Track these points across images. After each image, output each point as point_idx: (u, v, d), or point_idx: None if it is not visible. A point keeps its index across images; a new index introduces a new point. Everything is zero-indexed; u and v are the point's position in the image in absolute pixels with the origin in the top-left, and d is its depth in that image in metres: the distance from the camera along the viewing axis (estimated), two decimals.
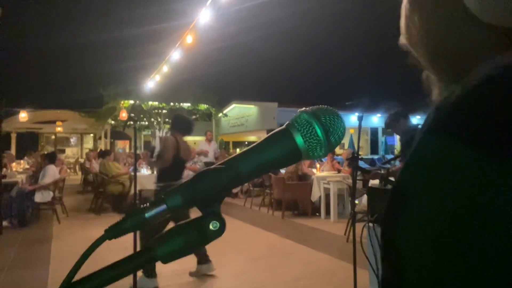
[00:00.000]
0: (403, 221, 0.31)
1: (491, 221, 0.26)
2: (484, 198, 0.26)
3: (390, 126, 4.58)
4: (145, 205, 0.40)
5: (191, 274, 4.23)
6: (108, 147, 18.82)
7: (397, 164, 5.56)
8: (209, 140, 10.81)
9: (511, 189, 0.25)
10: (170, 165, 4.09)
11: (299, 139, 0.39)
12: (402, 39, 0.46)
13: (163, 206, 0.39)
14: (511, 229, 0.25)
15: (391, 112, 4.57)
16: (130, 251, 0.45)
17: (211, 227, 0.39)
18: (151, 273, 3.89)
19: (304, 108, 0.41)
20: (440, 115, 0.32)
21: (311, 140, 0.39)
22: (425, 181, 0.30)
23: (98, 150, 12.21)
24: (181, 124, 4.35)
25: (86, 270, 0.41)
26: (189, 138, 12.87)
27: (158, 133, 16.89)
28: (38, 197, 7.00)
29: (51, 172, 7.21)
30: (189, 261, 4.49)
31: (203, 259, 4.24)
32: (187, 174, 9.18)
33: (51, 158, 7.63)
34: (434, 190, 0.29)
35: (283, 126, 0.41)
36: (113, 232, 0.40)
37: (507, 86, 0.29)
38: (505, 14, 0.35)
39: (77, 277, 0.39)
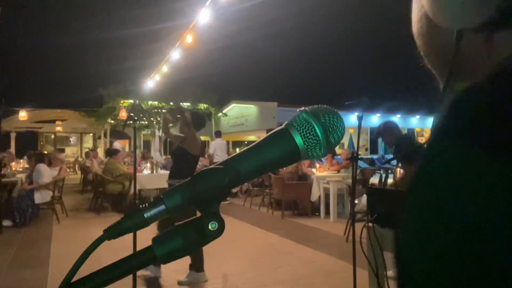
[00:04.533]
0: (419, 232, 0.30)
1: None
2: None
3: (383, 135, 4.41)
4: (144, 205, 0.40)
5: (180, 283, 4.01)
6: (108, 147, 18.81)
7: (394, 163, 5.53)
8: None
9: None
10: (188, 162, 4.12)
11: (298, 139, 0.39)
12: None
13: (162, 206, 0.39)
14: None
15: (384, 122, 4.48)
16: (130, 251, 0.45)
17: (210, 227, 0.39)
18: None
19: (303, 107, 0.41)
20: (460, 118, 0.30)
21: (310, 140, 0.39)
22: (446, 190, 0.29)
23: (106, 149, 12.19)
24: (199, 121, 4.39)
25: (87, 270, 0.41)
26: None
27: (158, 133, 16.88)
28: (38, 198, 6.97)
29: (44, 171, 7.13)
30: (189, 260, 4.50)
31: (198, 267, 4.10)
32: None
33: (39, 158, 7.51)
34: (455, 200, 0.27)
35: (282, 126, 0.40)
36: (112, 232, 0.40)
37: None
38: (449, 17, 0.36)
39: (77, 277, 0.39)
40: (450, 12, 0.35)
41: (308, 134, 0.39)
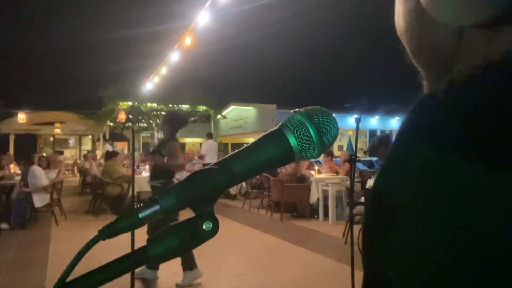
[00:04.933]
0: (387, 242, 0.29)
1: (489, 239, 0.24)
2: (474, 212, 0.25)
3: (377, 150, 4.25)
4: (139, 205, 0.40)
5: (178, 286, 3.99)
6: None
7: None
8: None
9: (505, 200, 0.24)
10: (165, 165, 4.15)
11: (292, 140, 0.39)
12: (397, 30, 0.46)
13: (157, 207, 0.40)
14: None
15: (378, 137, 4.38)
16: (127, 251, 0.45)
17: (204, 227, 0.39)
18: (153, 265, 3.97)
19: (297, 109, 0.41)
20: (425, 118, 0.30)
21: (304, 141, 0.39)
22: (409, 192, 0.28)
23: (105, 152, 12.16)
24: (177, 120, 4.41)
25: (84, 269, 0.41)
26: (188, 140, 12.84)
27: (157, 135, 16.88)
28: (37, 201, 6.90)
29: (38, 172, 7.07)
30: None
31: (191, 266, 4.04)
32: (185, 175, 9.20)
33: (29, 160, 7.36)
34: (417, 204, 0.27)
35: (277, 127, 0.41)
36: (107, 232, 0.40)
37: (496, 85, 0.28)
38: (450, 13, 0.35)
39: (72, 277, 0.39)
40: (453, 7, 0.35)
41: (301, 135, 0.39)
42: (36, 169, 7.10)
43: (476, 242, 0.25)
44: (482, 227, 0.25)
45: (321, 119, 0.40)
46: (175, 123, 4.34)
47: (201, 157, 11.07)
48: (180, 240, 0.39)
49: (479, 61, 0.31)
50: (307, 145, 0.39)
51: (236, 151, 0.42)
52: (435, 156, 0.27)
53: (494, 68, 0.30)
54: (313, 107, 0.41)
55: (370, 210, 0.32)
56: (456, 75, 0.31)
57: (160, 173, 4.15)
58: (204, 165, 10.14)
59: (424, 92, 0.44)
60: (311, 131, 0.39)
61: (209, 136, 11.62)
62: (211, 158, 10.65)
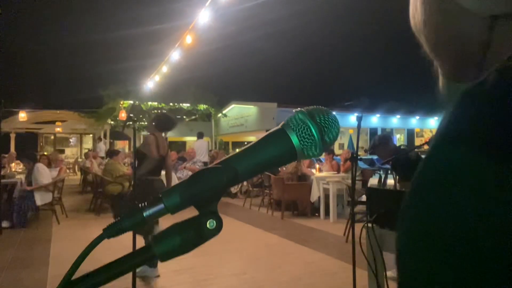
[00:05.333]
0: (418, 233, 0.29)
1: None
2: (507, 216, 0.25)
3: (377, 149, 4.16)
4: (143, 204, 0.41)
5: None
6: (108, 147, 18.80)
7: None
8: None
9: None
10: (149, 163, 4.19)
11: (294, 139, 0.39)
12: (411, 25, 0.45)
13: (161, 205, 0.40)
14: None
15: (378, 136, 4.37)
16: (129, 250, 0.45)
17: (208, 226, 0.39)
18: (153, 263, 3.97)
19: (299, 108, 0.41)
20: (462, 123, 0.30)
21: (305, 140, 0.39)
22: (445, 193, 0.28)
23: (107, 150, 12.20)
24: (163, 122, 4.44)
25: (86, 268, 0.41)
26: (189, 139, 12.84)
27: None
28: (39, 199, 6.95)
29: (42, 170, 7.10)
30: (189, 261, 4.50)
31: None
32: (186, 174, 9.21)
33: (33, 158, 7.40)
34: (453, 204, 0.27)
35: (279, 126, 0.41)
36: (111, 231, 0.41)
37: None
38: (484, 2, 0.34)
39: (76, 275, 0.40)
40: None
41: (303, 134, 0.39)
42: (40, 166, 7.15)
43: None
44: None
45: (322, 118, 0.40)
46: (160, 122, 4.41)
47: (183, 157, 11.23)
48: (184, 239, 0.39)
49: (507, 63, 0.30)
50: (309, 143, 0.39)
51: (239, 150, 0.42)
52: (476, 163, 0.27)
53: None
54: (315, 106, 0.42)
55: (407, 203, 0.32)
56: (500, 71, 0.30)
57: (142, 167, 4.20)
58: (205, 163, 10.16)
59: (440, 86, 0.43)
60: (313, 130, 0.39)
61: (199, 135, 11.78)
62: (202, 158, 10.81)
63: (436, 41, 0.41)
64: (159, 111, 16.54)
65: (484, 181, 0.26)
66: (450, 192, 0.28)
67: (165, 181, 4.49)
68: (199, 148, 11.21)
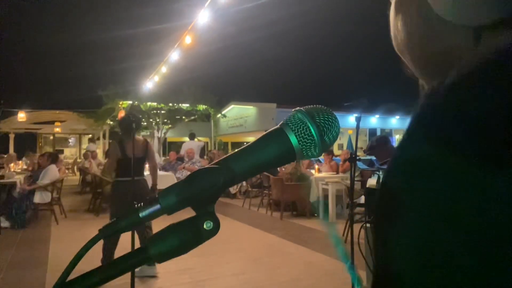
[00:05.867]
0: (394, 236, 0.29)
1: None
2: (477, 214, 0.25)
3: (375, 150, 4.24)
4: (139, 204, 0.40)
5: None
6: (107, 148, 18.77)
7: None
8: None
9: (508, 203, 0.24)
10: (121, 164, 4.35)
11: (293, 139, 0.39)
12: (394, 46, 0.45)
13: (157, 206, 0.40)
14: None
15: (376, 137, 4.36)
16: (127, 250, 0.45)
17: (205, 226, 0.39)
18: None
19: (298, 107, 0.41)
20: (428, 117, 0.30)
21: (305, 140, 0.39)
22: (414, 191, 0.28)
23: (106, 150, 12.18)
24: (123, 126, 4.52)
25: (85, 268, 0.41)
26: (188, 139, 12.87)
27: (157, 134, 16.88)
28: (38, 198, 7.00)
29: (52, 173, 7.21)
30: (188, 261, 4.50)
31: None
32: (185, 174, 9.21)
33: (54, 158, 7.66)
34: (423, 204, 0.27)
35: (278, 126, 0.40)
36: (107, 231, 0.40)
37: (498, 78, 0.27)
38: (468, 14, 0.34)
39: (72, 275, 0.39)
40: (469, 7, 0.34)
41: (303, 134, 0.39)
42: (54, 168, 7.32)
43: (478, 241, 0.25)
44: (484, 227, 0.25)
45: (322, 118, 0.40)
46: (121, 127, 4.55)
47: (181, 157, 11.26)
48: (181, 239, 0.39)
49: (479, 58, 0.31)
50: (308, 144, 0.39)
51: (236, 150, 0.42)
52: (439, 155, 0.27)
53: (494, 63, 0.29)
54: (314, 106, 0.41)
55: (378, 206, 0.32)
56: (457, 71, 0.31)
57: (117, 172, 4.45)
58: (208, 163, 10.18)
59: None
60: (312, 130, 0.39)
61: (191, 136, 11.91)
62: (194, 158, 10.85)
63: (421, 59, 0.41)
64: (158, 111, 16.55)
65: (453, 180, 0.26)
66: (412, 189, 0.28)
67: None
68: (189, 148, 11.31)
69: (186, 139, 12.61)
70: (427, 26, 0.38)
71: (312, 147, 0.39)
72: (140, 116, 4.98)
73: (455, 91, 0.29)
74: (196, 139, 12.13)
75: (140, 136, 4.49)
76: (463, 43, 0.36)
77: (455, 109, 0.28)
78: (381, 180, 0.33)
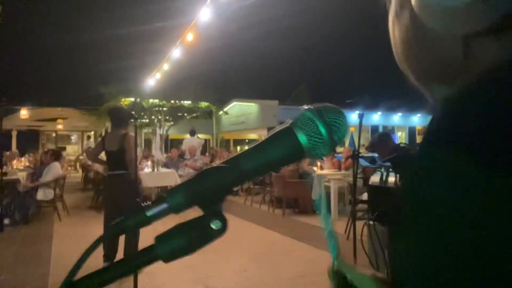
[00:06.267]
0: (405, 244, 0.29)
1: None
2: (497, 223, 0.24)
3: (376, 147, 4.23)
4: (146, 203, 0.40)
5: None
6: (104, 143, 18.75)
7: None
8: None
9: None
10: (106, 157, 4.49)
11: (302, 138, 0.38)
12: (395, 55, 0.45)
13: (165, 205, 0.39)
14: None
15: (378, 134, 4.35)
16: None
17: (213, 226, 0.39)
18: None
19: (307, 105, 0.40)
20: (446, 124, 0.30)
21: (314, 139, 0.38)
22: (430, 197, 0.28)
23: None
24: (113, 116, 4.57)
25: (88, 268, 0.41)
26: (189, 136, 12.89)
27: (159, 131, 16.90)
28: (41, 195, 7.03)
29: (55, 170, 7.24)
30: (190, 258, 4.49)
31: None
32: (187, 172, 9.21)
33: (57, 156, 7.71)
34: (439, 209, 0.27)
35: (287, 125, 0.40)
36: (114, 230, 0.40)
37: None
38: (455, 23, 0.35)
39: (79, 274, 0.39)
40: (454, 16, 0.34)
41: (312, 133, 0.38)
42: (58, 166, 7.38)
43: (486, 246, 0.24)
44: (496, 234, 0.24)
45: (332, 117, 0.39)
46: (113, 119, 4.60)
47: (182, 154, 11.25)
48: (189, 239, 0.39)
49: (489, 66, 0.31)
50: (318, 143, 0.38)
51: (246, 148, 0.41)
52: (453, 163, 0.27)
53: (503, 72, 0.29)
54: (323, 104, 0.41)
55: (393, 209, 0.32)
56: (469, 81, 0.31)
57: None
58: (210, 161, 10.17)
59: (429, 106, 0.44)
60: (322, 129, 0.38)
61: (192, 133, 11.96)
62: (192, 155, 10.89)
63: (418, 68, 0.41)
64: (160, 108, 16.56)
65: (471, 187, 0.26)
66: (433, 196, 0.28)
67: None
68: (189, 145, 11.31)
69: (188, 136, 12.62)
70: (419, 36, 0.39)
71: (321, 146, 0.39)
72: (123, 110, 4.98)
73: (473, 99, 0.29)
74: (196, 136, 12.14)
75: (123, 129, 4.42)
76: (452, 53, 0.37)
77: (475, 115, 0.28)
78: (402, 187, 0.32)
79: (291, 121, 0.40)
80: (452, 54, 0.37)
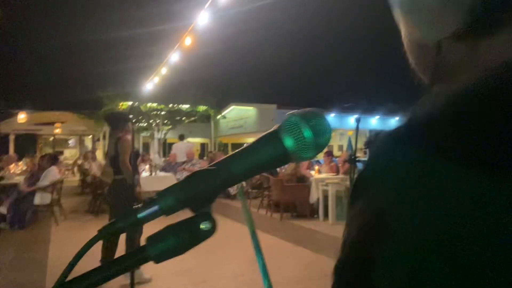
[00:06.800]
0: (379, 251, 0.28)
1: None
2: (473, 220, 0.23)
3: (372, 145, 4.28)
4: (138, 205, 0.41)
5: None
6: (106, 149, 18.75)
7: None
8: None
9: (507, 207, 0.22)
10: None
11: (287, 141, 0.40)
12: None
13: (156, 207, 0.40)
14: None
15: (376, 132, 4.39)
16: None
17: (202, 227, 0.40)
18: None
19: (292, 111, 0.42)
20: (417, 122, 0.30)
21: (299, 142, 0.40)
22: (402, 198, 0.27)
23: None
24: (111, 121, 4.60)
25: (85, 268, 0.42)
26: (188, 140, 12.89)
27: (157, 135, 16.89)
28: (38, 199, 7.01)
29: (52, 175, 7.24)
30: (187, 263, 4.50)
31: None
32: (185, 175, 9.21)
33: (54, 160, 7.71)
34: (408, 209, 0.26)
35: (273, 129, 0.42)
36: (106, 232, 0.41)
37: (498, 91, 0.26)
38: (429, 29, 0.35)
39: (71, 276, 0.40)
40: (424, 24, 0.35)
41: (297, 137, 0.40)
42: (55, 170, 7.39)
43: (465, 250, 0.23)
44: (474, 236, 0.23)
45: (315, 121, 0.41)
46: (111, 124, 4.61)
47: (171, 156, 11.41)
48: (179, 240, 0.40)
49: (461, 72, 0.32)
50: (302, 146, 0.40)
51: (234, 151, 0.42)
52: (419, 158, 0.27)
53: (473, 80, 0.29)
54: (307, 109, 0.42)
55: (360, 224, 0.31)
56: (441, 86, 0.32)
57: None
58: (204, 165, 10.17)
59: None
60: (306, 133, 0.40)
61: (181, 138, 12.11)
62: (182, 159, 11.02)
63: (420, 70, 0.42)
64: (158, 112, 16.57)
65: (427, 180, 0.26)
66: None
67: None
68: (178, 150, 11.43)
69: (188, 139, 12.68)
70: (413, 41, 0.40)
71: (306, 149, 0.40)
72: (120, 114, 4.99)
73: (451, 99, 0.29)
74: (185, 140, 12.23)
75: (119, 133, 4.38)
76: (431, 57, 0.37)
77: (450, 114, 0.28)
78: (356, 176, 0.32)
79: (278, 125, 0.41)
80: (431, 59, 0.38)
